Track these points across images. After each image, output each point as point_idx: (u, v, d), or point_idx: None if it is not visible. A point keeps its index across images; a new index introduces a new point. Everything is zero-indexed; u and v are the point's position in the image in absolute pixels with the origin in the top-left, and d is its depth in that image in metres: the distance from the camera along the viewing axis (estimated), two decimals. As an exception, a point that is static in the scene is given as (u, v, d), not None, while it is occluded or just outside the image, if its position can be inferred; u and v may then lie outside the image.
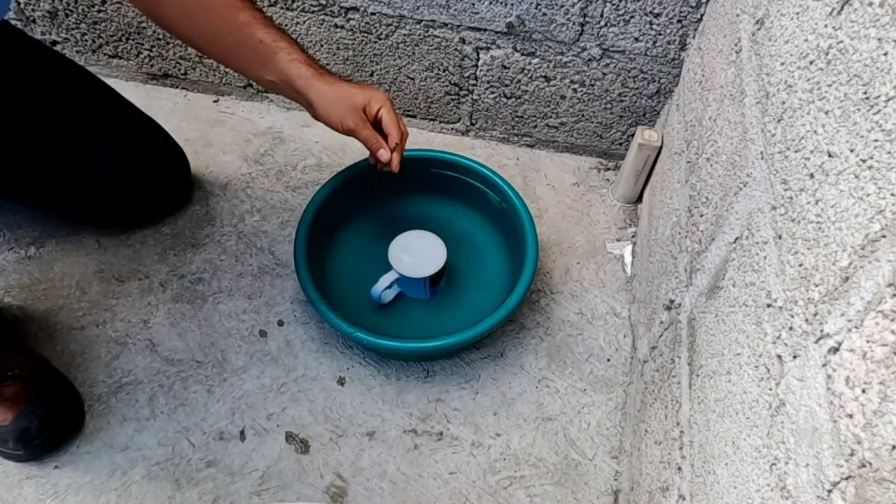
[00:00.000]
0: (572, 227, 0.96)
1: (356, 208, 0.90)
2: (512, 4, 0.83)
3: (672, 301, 0.67)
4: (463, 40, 0.90)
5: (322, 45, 0.96)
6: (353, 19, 0.90)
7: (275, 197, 0.96)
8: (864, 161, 0.34)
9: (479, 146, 1.05)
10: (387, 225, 0.89)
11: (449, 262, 0.81)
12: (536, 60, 0.90)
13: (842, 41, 0.39)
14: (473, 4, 0.84)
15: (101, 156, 0.82)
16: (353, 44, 0.94)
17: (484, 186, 0.87)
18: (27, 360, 0.75)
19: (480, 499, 0.73)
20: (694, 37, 0.81)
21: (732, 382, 0.47)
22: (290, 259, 0.87)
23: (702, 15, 0.79)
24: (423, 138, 1.05)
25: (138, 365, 0.80)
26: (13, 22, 1.00)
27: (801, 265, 0.39)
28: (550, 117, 0.98)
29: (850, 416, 0.31)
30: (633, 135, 0.95)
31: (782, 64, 0.48)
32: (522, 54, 0.89)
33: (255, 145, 1.02)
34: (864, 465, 0.29)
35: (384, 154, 0.71)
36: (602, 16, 0.82)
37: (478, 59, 0.92)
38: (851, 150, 0.35)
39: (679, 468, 0.55)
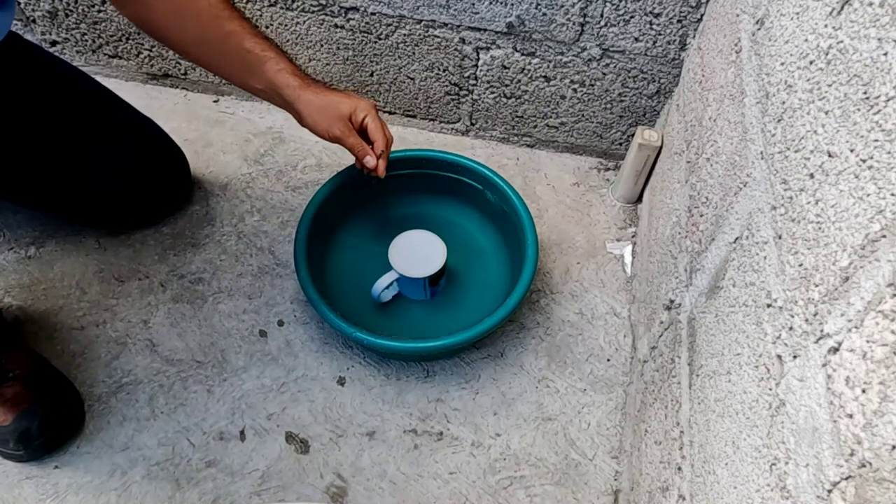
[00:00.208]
0: (572, 227, 0.96)
1: (356, 208, 0.90)
2: (512, 4, 0.83)
3: (672, 301, 0.67)
4: (463, 40, 0.90)
5: (322, 45, 0.96)
6: (353, 19, 0.90)
7: (275, 197, 0.96)
8: (864, 161, 0.34)
9: (479, 146, 1.05)
10: (387, 225, 0.89)
11: (449, 262, 0.81)
12: (536, 60, 0.90)
13: (842, 41, 0.39)
14: (473, 4, 0.84)
15: (100, 156, 0.82)
16: (353, 44, 0.94)
17: (484, 186, 0.87)
18: (27, 361, 0.75)
19: (480, 499, 0.73)
20: (694, 37, 0.81)
21: (732, 382, 0.47)
22: (290, 259, 0.87)
23: (702, 15, 0.79)
24: (423, 138, 1.05)
25: (138, 365, 0.80)
26: (13, 24, 1.00)
27: (801, 265, 0.39)
28: (550, 117, 0.98)
29: (850, 416, 0.31)
30: (633, 135, 0.95)
31: (782, 64, 0.48)
32: (522, 54, 0.89)
33: (255, 145, 1.02)
34: (864, 465, 0.29)
35: (370, 160, 0.73)
36: (602, 16, 0.82)
37: (478, 59, 0.92)
38: (851, 150, 0.35)
39: (679, 468, 0.55)
